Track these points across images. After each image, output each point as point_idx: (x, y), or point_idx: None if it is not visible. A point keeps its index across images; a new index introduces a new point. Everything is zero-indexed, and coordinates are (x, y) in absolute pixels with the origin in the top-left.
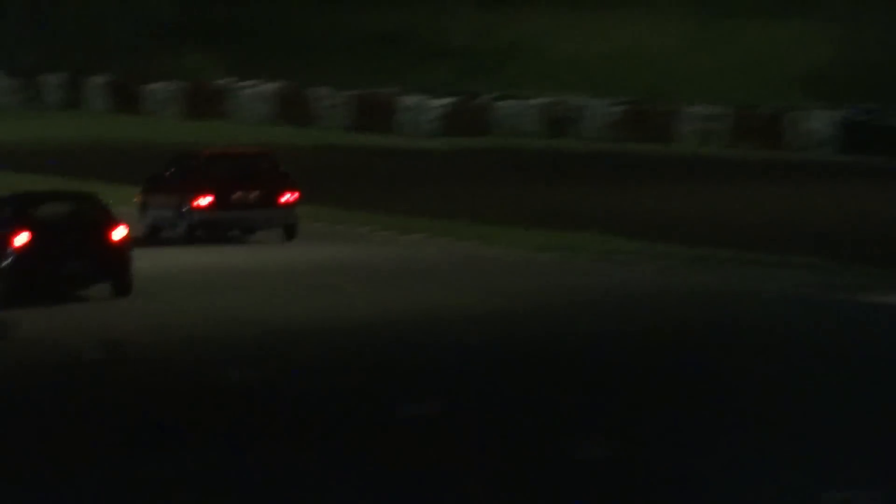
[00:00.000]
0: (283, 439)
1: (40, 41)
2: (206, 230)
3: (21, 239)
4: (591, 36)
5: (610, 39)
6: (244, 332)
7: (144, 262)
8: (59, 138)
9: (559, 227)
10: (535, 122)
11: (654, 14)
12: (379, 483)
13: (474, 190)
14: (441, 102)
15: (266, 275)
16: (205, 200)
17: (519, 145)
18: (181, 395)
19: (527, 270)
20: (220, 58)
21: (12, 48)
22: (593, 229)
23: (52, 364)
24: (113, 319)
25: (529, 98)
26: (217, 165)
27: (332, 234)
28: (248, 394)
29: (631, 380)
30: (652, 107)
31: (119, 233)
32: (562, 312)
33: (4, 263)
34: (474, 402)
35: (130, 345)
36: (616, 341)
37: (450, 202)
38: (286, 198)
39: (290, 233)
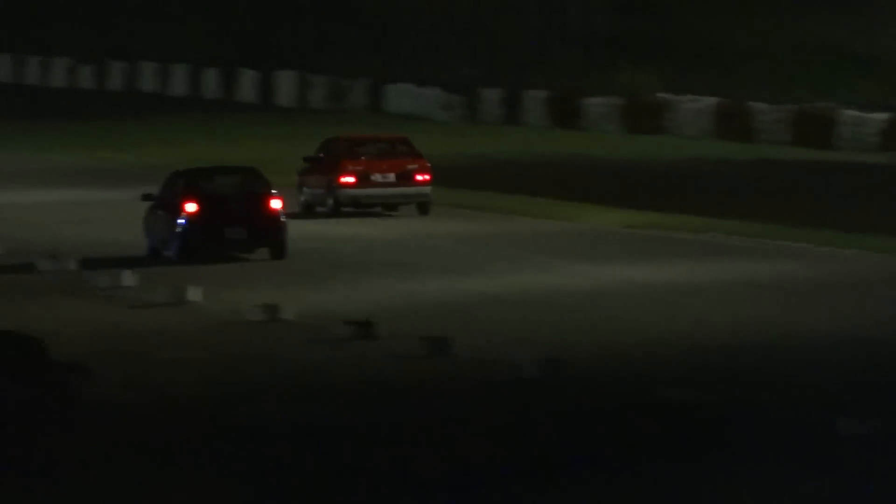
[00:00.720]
0: (732, 457)
1: (479, 56)
2: (351, 206)
3: (190, 207)
4: None
5: None
6: (678, 348)
7: (575, 277)
8: (497, 154)
9: None
10: None
11: None
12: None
13: None
14: (882, 117)
15: (685, 290)
16: (349, 179)
17: None
18: (621, 413)
19: None
20: (657, 72)
21: (451, 63)
22: None
23: (492, 381)
24: (546, 337)
25: None
26: (360, 148)
27: (757, 250)
28: (691, 413)
29: None
30: None
31: (276, 203)
32: None
33: (177, 229)
34: None
35: (567, 362)
36: None
37: (893, 218)
38: (421, 177)
39: (423, 209)
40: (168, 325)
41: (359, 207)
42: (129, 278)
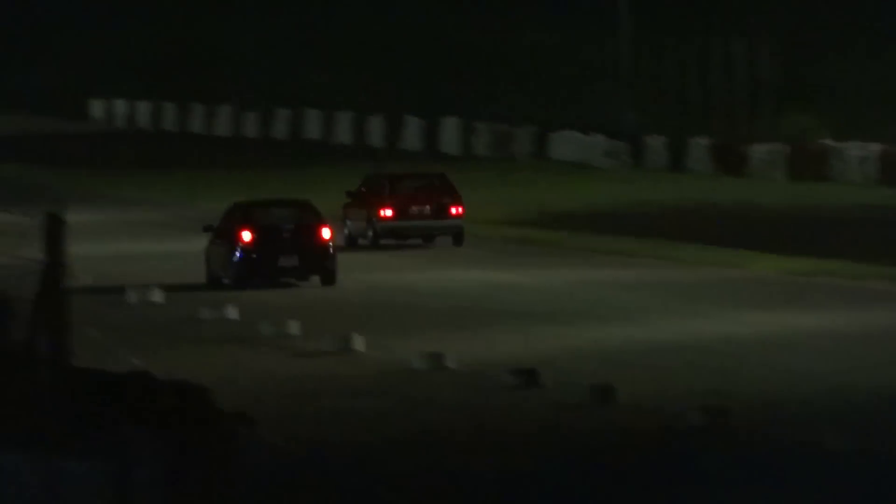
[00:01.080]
0: None
1: (643, 103)
2: (390, 237)
3: (246, 237)
4: None
5: None
6: (842, 396)
7: (738, 324)
8: (659, 200)
9: None
10: None
11: None
12: None
13: None
14: None
15: (849, 337)
16: (388, 212)
17: None
18: (787, 461)
19: None
20: (822, 118)
21: (615, 110)
22: None
23: (657, 428)
24: (710, 384)
25: None
26: (398, 183)
27: None
28: (857, 461)
29: None
30: None
31: (326, 233)
32: None
33: (234, 257)
34: None
35: (732, 409)
36: None
37: None
38: (455, 210)
39: (457, 240)
40: (333, 374)
41: (397, 238)
42: (294, 327)
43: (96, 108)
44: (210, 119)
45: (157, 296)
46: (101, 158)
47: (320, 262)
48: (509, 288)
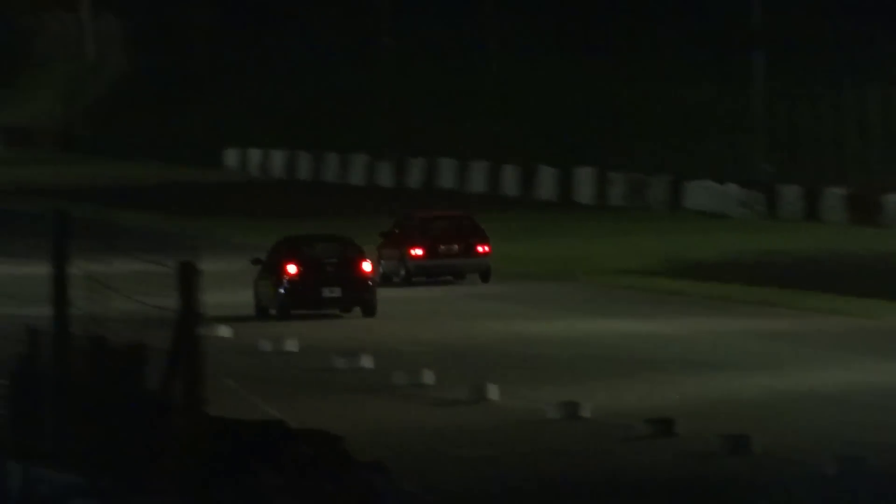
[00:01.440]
0: None
1: (777, 152)
2: (421, 275)
3: (292, 269)
4: None
5: None
6: None
7: (871, 373)
8: (793, 250)
9: None
10: None
11: None
12: None
13: None
14: None
15: None
16: (418, 251)
17: None
18: None
19: None
20: None
21: (749, 159)
22: None
23: (791, 478)
24: (844, 433)
25: None
26: (428, 224)
27: None
28: None
29: None
30: None
31: (367, 267)
32: None
33: (280, 289)
34: None
35: (867, 459)
36: None
37: None
38: (482, 249)
39: (484, 277)
40: (467, 423)
41: (428, 276)
42: (428, 376)
43: (231, 157)
44: (344, 168)
45: (292, 345)
46: (235, 207)
47: (361, 294)
48: (644, 337)
